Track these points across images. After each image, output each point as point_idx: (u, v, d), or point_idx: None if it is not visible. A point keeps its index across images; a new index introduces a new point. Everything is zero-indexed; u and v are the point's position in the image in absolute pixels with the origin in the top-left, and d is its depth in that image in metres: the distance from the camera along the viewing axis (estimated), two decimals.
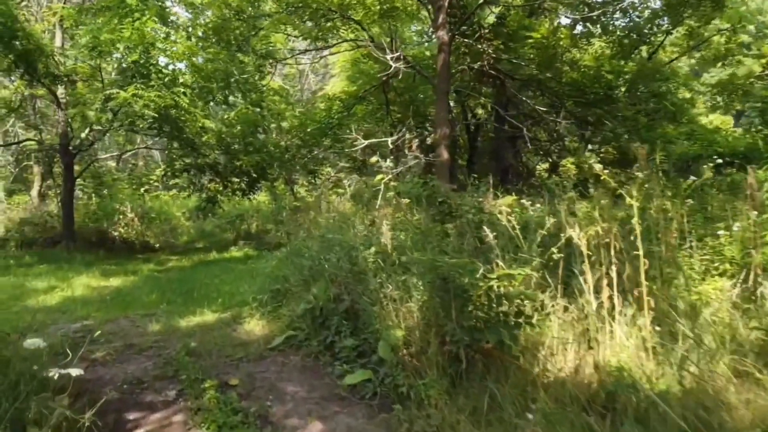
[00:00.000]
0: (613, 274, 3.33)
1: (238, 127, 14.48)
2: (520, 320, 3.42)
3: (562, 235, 3.59)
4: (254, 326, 5.24)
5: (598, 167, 3.41)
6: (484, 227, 4.13)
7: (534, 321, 3.42)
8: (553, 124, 12.91)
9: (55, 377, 2.68)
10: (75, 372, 2.70)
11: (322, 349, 4.37)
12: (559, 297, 3.57)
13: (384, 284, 4.34)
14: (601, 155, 12.01)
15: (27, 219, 15.58)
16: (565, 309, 3.51)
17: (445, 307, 3.63)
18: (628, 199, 3.31)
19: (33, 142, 15.87)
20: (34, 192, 17.76)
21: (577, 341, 3.29)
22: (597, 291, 3.40)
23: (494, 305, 3.47)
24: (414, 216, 6.64)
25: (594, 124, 11.71)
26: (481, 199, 6.26)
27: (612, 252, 3.38)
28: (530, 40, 11.23)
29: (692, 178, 5.03)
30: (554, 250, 3.54)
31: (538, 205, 6.10)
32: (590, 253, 3.45)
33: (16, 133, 17.35)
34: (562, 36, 11.51)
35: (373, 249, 5.29)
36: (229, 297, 6.85)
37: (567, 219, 3.74)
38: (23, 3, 15.00)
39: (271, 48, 12.33)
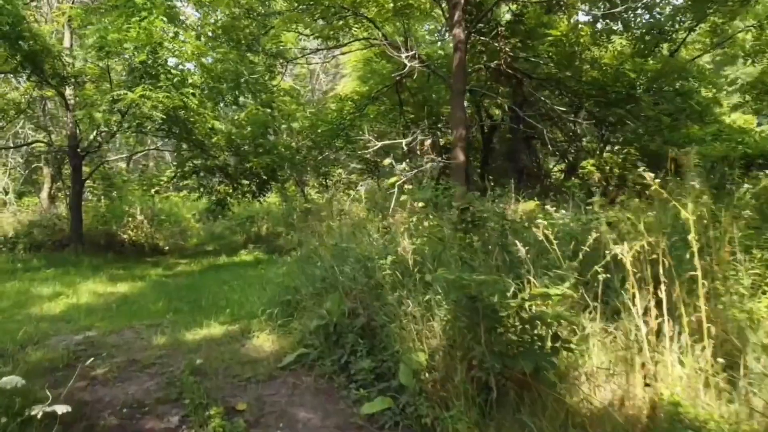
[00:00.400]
0: (662, 295, 2.98)
1: (249, 128, 14.23)
2: (557, 345, 3.08)
3: (607, 251, 3.24)
4: (263, 341, 4.93)
5: (648, 176, 3.04)
6: (516, 240, 3.80)
7: (572, 346, 3.08)
8: (571, 125, 12.52)
9: (38, 416, 2.37)
10: (61, 409, 2.40)
11: (336, 370, 4.05)
12: (598, 318, 3.24)
13: (403, 300, 4.03)
14: (622, 157, 11.60)
15: (36, 221, 15.44)
16: (607, 333, 3.17)
17: (472, 328, 3.30)
18: (683, 212, 2.95)
19: (42, 144, 15.72)
20: (44, 194, 17.63)
21: (623, 370, 2.95)
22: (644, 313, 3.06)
23: (528, 328, 3.13)
24: (429, 221, 6.32)
25: (615, 124, 11.31)
26: (503, 206, 5.94)
27: (661, 269, 3.03)
28: (549, 38, 10.85)
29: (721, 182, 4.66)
30: (598, 269, 3.18)
31: (563, 211, 5.75)
32: (635, 270, 3.10)
33: (26, 135, 17.22)
34: (583, 33, 11.12)
35: (389, 258, 4.98)
36: (238, 307, 6.56)
37: (607, 231, 3.39)
38: (33, 3, 14.85)
39: (281, 47, 12.04)
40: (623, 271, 3.15)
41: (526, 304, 3.14)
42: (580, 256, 3.11)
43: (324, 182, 16.04)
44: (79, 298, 8.18)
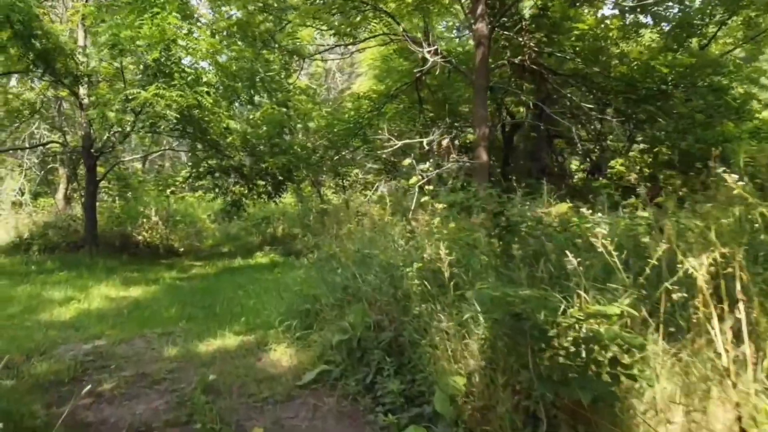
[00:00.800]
0: (741, 315, 2.58)
1: (264, 128, 13.95)
2: (617, 371, 2.69)
3: (679, 265, 2.84)
4: (281, 355, 4.59)
5: (731, 179, 2.64)
6: (560, 248, 3.42)
7: (635, 372, 2.69)
8: (596, 123, 12.05)
9: None
10: None
11: (361, 390, 3.70)
12: (663, 341, 2.84)
13: (434, 313, 3.66)
14: (651, 156, 11.09)
15: (51, 222, 15.31)
16: (676, 358, 2.77)
17: (516, 349, 2.93)
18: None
19: (57, 145, 15.59)
20: (59, 195, 17.54)
21: (694, 400, 2.56)
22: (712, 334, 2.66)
23: (582, 351, 2.75)
24: (454, 224, 5.94)
25: (644, 121, 10.81)
26: (540, 210, 5.54)
27: (738, 285, 2.63)
28: (576, 32, 10.39)
29: None
30: (669, 285, 2.78)
31: (600, 215, 5.34)
32: (707, 286, 2.70)
33: (41, 135, 17.12)
34: (612, 27, 10.64)
35: (415, 266, 4.61)
36: (254, 315, 6.24)
37: (674, 240, 3.00)
38: (48, 3, 14.72)
39: (297, 44, 11.72)
40: (692, 285, 2.76)
41: (580, 325, 2.76)
42: (647, 270, 2.71)
43: (341, 183, 15.70)
44: (90, 303, 7.93)
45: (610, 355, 2.71)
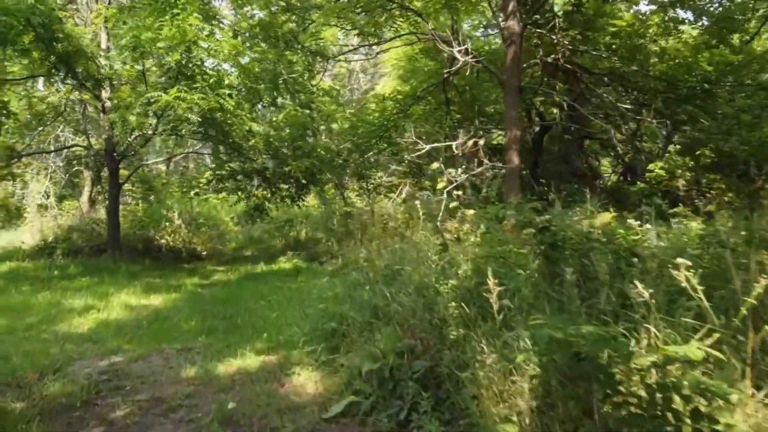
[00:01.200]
0: None
1: (287, 130, 13.69)
2: (700, 425, 2.29)
3: (755, 285, 2.43)
4: (305, 380, 4.26)
5: None
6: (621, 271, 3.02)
7: (721, 429, 2.28)
8: (633, 123, 11.50)
9: None
10: None
11: (394, 427, 3.33)
12: (750, 387, 2.43)
13: (475, 342, 3.29)
14: (692, 159, 10.51)
15: (75, 226, 15.30)
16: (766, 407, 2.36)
17: (576, 394, 2.54)
18: None
19: (81, 148, 15.57)
20: (84, 198, 17.55)
21: None
22: None
23: (657, 399, 2.35)
24: (481, 230, 5.55)
25: (685, 122, 10.25)
26: (581, 220, 5.13)
27: None
28: (613, 29, 9.89)
29: None
30: (745, 311, 2.37)
31: (649, 226, 4.89)
32: None
33: (66, 138, 17.15)
34: (651, 23, 10.10)
35: (450, 283, 4.25)
36: (276, 330, 5.91)
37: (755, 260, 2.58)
38: (72, 7, 14.70)
39: (321, 44, 11.41)
40: None
41: (654, 368, 2.37)
42: (743, 311, 2.29)
43: (365, 186, 15.37)
44: (110, 312, 7.73)
45: (692, 406, 2.31)
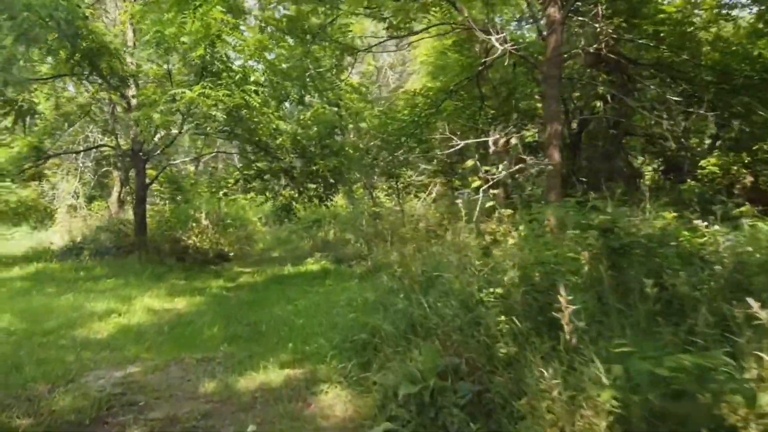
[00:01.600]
0: None
1: (315, 129, 13.32)
2: None
3: None
4: (334, 399, 3.82)
5: None
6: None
7: None
8: (681, 117, 10.77)
9: None
10: None
11: None
12: None
13: (533, 363, 2.80)
14: (749, 154, 9.73)
15: (103, 226, 15.24)
16: None
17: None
18: None
19: (109, 148, 15.49)
20: (113, 198, 17.53)
21: None
22: None
23: None
24: (520, 230, 5.02)
25: (740, 115, 9.48)
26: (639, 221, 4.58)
27: None
28: (660, 15, 9.20)
29: None
30: None
31: (717, 227, 4.31)
32: None
33: (95, 139, 17.12)
34: (705, 7, 9.39)
35: (495, 291, 3.77)
36: (302, 339, 5.49)
37: None
38: (96, 3, 14.60)
39: (350, 36, 10.95)
40: None
41: None
42: None
43: (394, 185, 14.89)
44: (131, 317, 7.44)
45: None
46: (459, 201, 5.94)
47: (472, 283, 3.85)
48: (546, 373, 2.66)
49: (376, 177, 16.53)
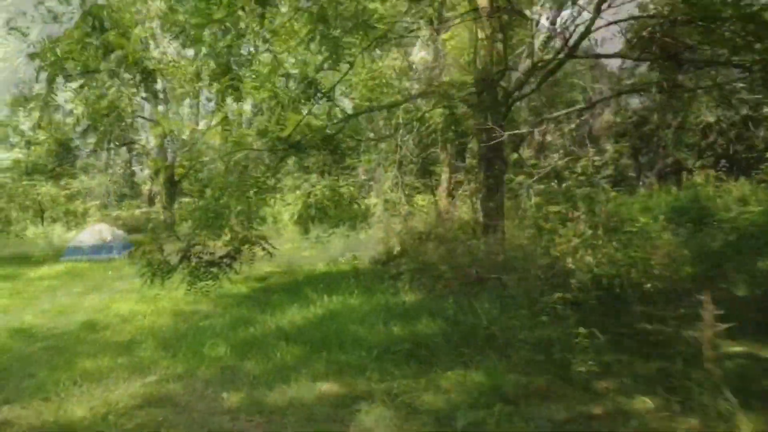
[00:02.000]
0: None
1: (346, 124, 12.79)
2: None
3: None
4: (376, 422, 3.25)
5: None
6: None
7: None
8: (744, 108, 9.90)
9: None
10: None
11: None
12: None
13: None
14: None
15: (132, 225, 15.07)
16: None
17: None
18: None
19: (139, 146, 15.34)
20: (145, 195, 17.37)
21: None
22: None
23: None
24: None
25: None
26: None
27: None
28: None
29: None
30: None
31: None
32: None
33: (127, 137, 17.00)
34: None
35: (556, 295, 3.21)
36: (337, 347, 4.91)
37: None
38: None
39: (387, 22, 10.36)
40: None
41: None
42: None
43: (429, 183, 14.28)
44: (155, 319, 7.07)
45: None
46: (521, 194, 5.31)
47: (538, 287, 3.26)
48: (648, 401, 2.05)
49: (408, 176, 15.95)
